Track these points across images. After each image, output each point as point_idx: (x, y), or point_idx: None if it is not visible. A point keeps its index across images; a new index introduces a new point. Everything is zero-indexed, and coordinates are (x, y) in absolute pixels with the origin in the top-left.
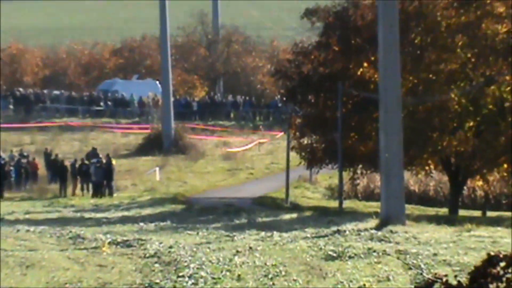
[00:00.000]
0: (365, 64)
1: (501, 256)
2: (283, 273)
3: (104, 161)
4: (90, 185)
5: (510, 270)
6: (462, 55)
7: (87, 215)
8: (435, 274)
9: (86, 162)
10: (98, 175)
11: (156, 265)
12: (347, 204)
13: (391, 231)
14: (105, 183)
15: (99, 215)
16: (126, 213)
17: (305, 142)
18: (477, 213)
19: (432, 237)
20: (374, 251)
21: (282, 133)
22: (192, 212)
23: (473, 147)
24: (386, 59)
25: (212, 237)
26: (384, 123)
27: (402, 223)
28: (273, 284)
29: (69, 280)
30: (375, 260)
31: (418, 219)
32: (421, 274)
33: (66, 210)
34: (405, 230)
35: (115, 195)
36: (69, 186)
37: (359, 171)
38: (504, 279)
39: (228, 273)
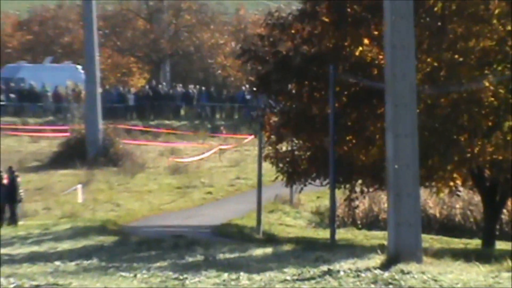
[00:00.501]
0: (366, 41)
1: None
2: None
3: (5, 176)
4: None
5: None
6: (500, 27)
7: None
8: None
9: None
10: None
11: None
12: (342, 234)
13: (403, 272)
14: (7, 207)
15: None
16: (36, 248)
17: (284, 148)
18: None
19: (459, 280)
20: None
21: (252, 137)
22: (128, 246)
23: None
24: (395, 34)
25: (155, 280)
26: (392, 122)
27: (418, 260)
28: None
29: None
30: None
31: (439, 254)
32: None
33: None
34: (421, 270)
35: (20, 223)
36: None
37: (358, 189)
38: None
39: None
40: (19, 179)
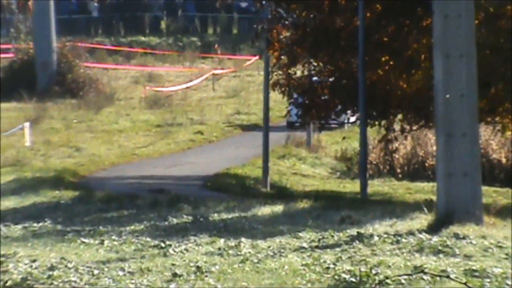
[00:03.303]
0: None
1: None
2: None
3: None
4: None
5: None
6: None
7: None
8: None
9: None
10: None
11: None
12: (376, 187)
13: (457, 236)
14: None
15: None
16: None
17: (299, 73)
18: None
19: None
20: (425, 273)
21: (256, 58)
22: (92, 204)
23: None
24: None
25: (128, 249)
26: (442, 38)
27: (477, 221)
28: None
29: None
30: None
31: (505, 213)
32: None
33: None
34: (481, 234)
35: None
36: None
37: (397, 127)
38: None
39: None
40: None
